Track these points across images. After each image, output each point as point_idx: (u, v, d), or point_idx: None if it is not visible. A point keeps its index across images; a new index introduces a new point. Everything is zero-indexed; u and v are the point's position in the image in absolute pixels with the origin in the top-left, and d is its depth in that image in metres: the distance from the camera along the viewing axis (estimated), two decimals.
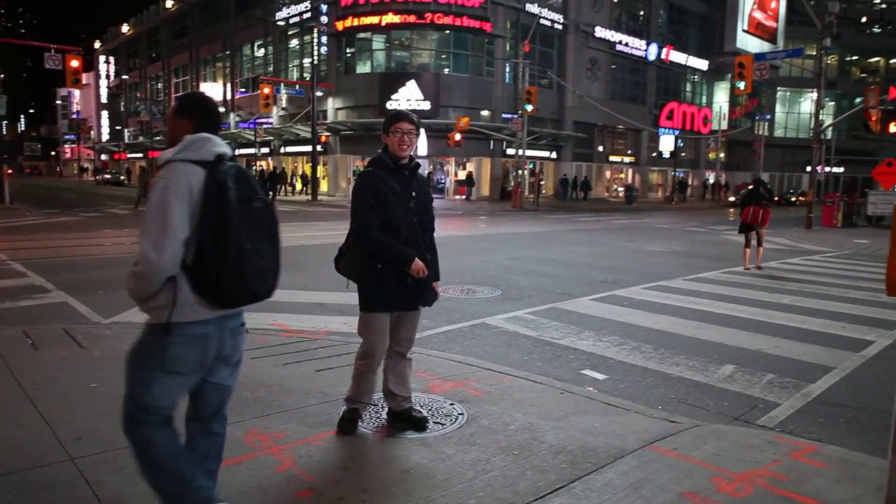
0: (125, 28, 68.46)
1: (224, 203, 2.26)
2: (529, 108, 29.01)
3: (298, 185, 38.29)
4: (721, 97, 52.56)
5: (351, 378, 3.71)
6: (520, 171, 31.53)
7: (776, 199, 44.83)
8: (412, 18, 33.41)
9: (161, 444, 2.36)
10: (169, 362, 2.30)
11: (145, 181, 23.43)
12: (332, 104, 37.35)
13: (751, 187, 11.61)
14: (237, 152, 47.23)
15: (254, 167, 43.82)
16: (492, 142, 36.00)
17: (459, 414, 3.97)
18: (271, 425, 3.72)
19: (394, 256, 3.49)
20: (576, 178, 41.28)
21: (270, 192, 27.01)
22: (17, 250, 11.57)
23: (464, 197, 34.90)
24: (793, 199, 45.71)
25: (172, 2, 56.29)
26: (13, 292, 7.80)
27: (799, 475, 3.26)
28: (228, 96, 48.12)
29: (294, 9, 38.37)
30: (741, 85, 21.99)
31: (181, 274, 2.27)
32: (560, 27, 39.32)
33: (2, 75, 25.59)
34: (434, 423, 3.81)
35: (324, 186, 35.87)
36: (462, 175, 36.55)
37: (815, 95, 24.99)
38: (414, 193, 3.59)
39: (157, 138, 48.80)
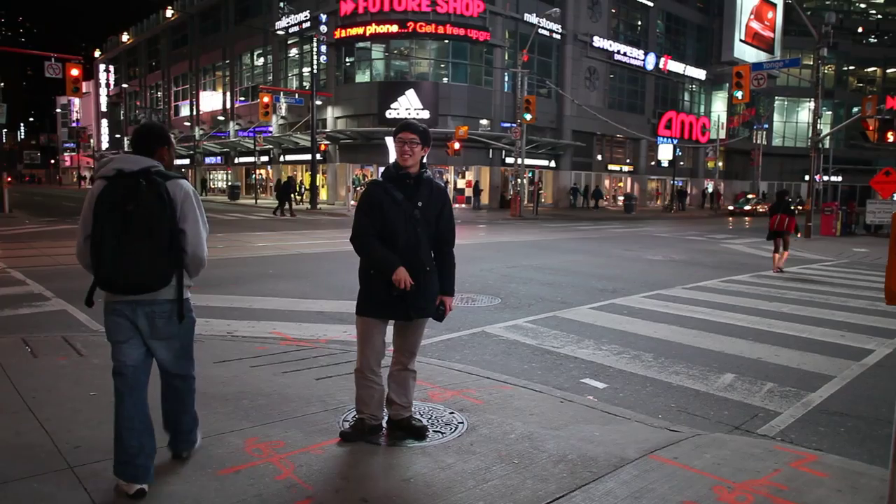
0: (125, 37, 68.72)
1: (101, 207, 2.81)
2: (528, 117, 29.10)
3: (306, 195, 37.99)
4: (719, 106, 52.77)
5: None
6: (519, 180, 31.60)
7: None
8: (411, 28, 33.57)
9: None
10: (105, 325, 3.06)
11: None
12: (331, 113, 37.47)
13: (777, 199, 13.08)
14: (236, 160, 47.36)
15: (254, 176, 43.96)
16: (491, 151, 36.10)
17: (459, 423, 3.96)
18: (271, 434, 3.71)
19: (379, 263, 3.50)
20: (587, 186, 41.53)
21: (286, 202, 26.94)
22: (17, 258, 11.57)
23: (466, 206, 34.97)
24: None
25: (172, 11, 56.57)
26: (12, 300, 7.78)
27: (800, 485, 3.26)
28: (228, 105, 48.26)
29: (293, 18, 38.55)
30: (739, 94, 22.09)
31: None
32: (558, 37, 39.52)
33: (2, 84, 25.59)
34: (434, 431, 3.80)
35: (323, 195, 35.91)
36: (461, 184, 36.64)
37: (812, 105, 25.12)
38: (420, 203, 3.56)
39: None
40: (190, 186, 3.00)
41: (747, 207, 41.25)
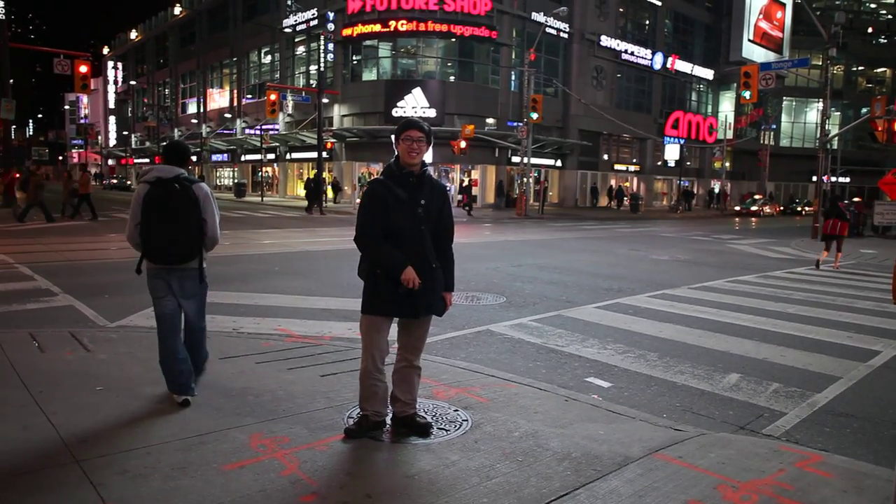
0: (133, 34, 68.97)
1: (149, 203, 4.00)
2: (535, 116, 29.05)
3: (330, 193, 37.73)
4: (726, 106, 52.54)
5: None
6: (525, 179, 31.55)
7: (780, 208, 44.83)
8: (418, 26, 33.56)
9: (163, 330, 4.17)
10: (148, 287, 4.18)
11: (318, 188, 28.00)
12: (337, 111, 37.50)
13: (830, 204, 14.23)
14: (243, 158, 47.49)
15: (260, 173, 44.06)
16: (497, 149, 36.05)
17: (464, 420, 3.96)
18: (276, 430, 3.72)
19: (386, 263, 3.51)
20: (610, 187, 42.00)
21: (318, 199, 27.39)
22: (24, 254, 11.63)
23: (468, 206, 34.75)
24: (798, 208, 45.56)
25: (181, 9, 56.74)
26: (20, 296, 7.83)
27: (805, 485, 3.25)
28: (235, 102, 48.36)
29: (301, 16, 38.61)
30: (747, 94, 21.93)
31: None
32: (566, 36, 39.43)
33: (11, 80, 25.67)
34: (438, 429, 3.80)
35: (329, 193, 35.89)
36: (466, 182, 36.60)
37: (821, 105, 24.98)
38: (423, 201, 3.58)
39: (164, 143, 49.00)
40: (208, 188, 4.22)
41: (754, 208, 41.10)
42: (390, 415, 3.80)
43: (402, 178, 3.58)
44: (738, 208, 42.07)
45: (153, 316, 4.25)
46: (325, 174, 34.96)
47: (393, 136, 3.64)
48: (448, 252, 3.75)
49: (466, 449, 3.56)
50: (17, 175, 23.68)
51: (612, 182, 44.72)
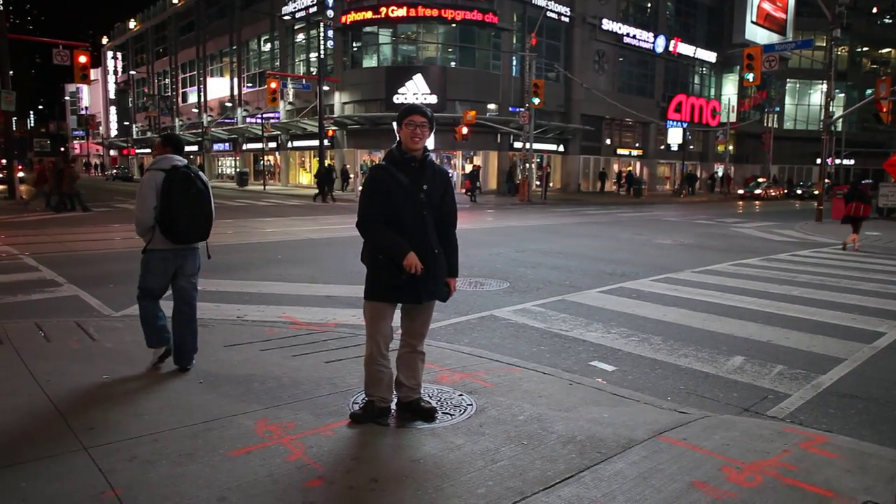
0: (132, 24, 68.58)
1: (170, 188, 4.31)
2: (536, 101, 28.89)
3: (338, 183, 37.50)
4: (730, 89, 52.16)
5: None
6: (527, 165, 31.44)
7: (784, 190, 44.61)
8: (418, 12, 33.31)
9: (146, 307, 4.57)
10: (149, 267, 4.46)
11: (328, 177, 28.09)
12: (338, 98, 37.34)
13: (852, 187, 14.71)
14: (244, 147, 47.41)
15: (262, 162, 43.99)
16: (499, 135, 35.90)
17: (468, 405, 3.98)
18: (282, 416, 3.74)
19: (388, 249, 3.50)
20: (620, 172, 42.00)
21: (327, 188, 27.47)
22: (29, 245, 11.66)
23: (472, 192, 34.59)
24: (798, 192, 45.31)
25: None
26: (26, 286, 7.86)
27: (809, 465, 3.26)
28: (235, 91, 48.18)
29: (300, 3, 38.31)
30: (750, 77, 21.78)
31: (155, 225, 4.34)
32: (567, 20, 39.11)
33: (11, 72, 25.59)
34: (443, 413, 3.82)
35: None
36: (469, 169, 36.48)
37: (825, 87, 24.78)
38: (426, 186, 3.57)
39: (163, 134, 48.90)
40: (206, 177, 4.69)
41: (758, 191, 40.91)
42: (395, 400, 3.81)
43: (404, 163, 3.57)
44: (741, 192, 41.86)
45: (197, 330, 4.69)
46: (328, 162, 34.94)
47: (395, 122, 3.62)
48: (451, 238, 3.74)
49: (471, 433, 3.57)
50: (39, 167, 23.95)
51: (616, 166, 44.53)
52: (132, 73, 65.96)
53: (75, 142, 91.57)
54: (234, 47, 47.96)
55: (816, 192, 22.93)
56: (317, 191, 27.89)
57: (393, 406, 3.80)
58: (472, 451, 3.34)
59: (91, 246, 11.91)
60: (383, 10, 33.58)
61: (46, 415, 3.69)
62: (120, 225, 15.62)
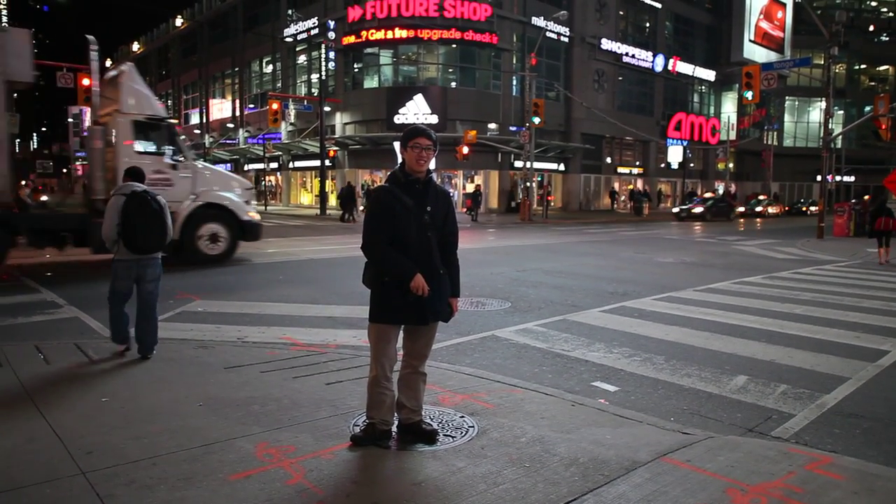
0: (136, 46, 69.34)
1: (128, 209, 5.23)
2: (537, 120, 29.06)
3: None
4: (729, 107, 52.49)
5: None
6: (528, 184, 31.53)
7: (786, 208, 44.66)
8: (419, 33, 33.64)
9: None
10: (116, 274, 5.40)
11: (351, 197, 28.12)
12: (340, 119, 37.59)
13: (879, 203, 15.64)
14: (246, 168, 47.65)
15: (263, 182, 44.15)
16: (499, 154, 36.06)
17: (470, 426, 3.95)
18: (281, 438, 3.71)
19: (395, 271, 3.50)
20: (635, 190, 42.54)
21: (351, 208, 27.42)
22: (31, 266, 11.67)
23: (473, 212, 34.56)
24: (803, 208, 45.35)
25: (182, 20, 57.02)
26: (26, 308, 7.85)
27: (815, 487, 3.22)
28: (237, 112, 48.54)
29: (302, 25, 38.76)
30: (749, 95, 21.90)
31: (119, 239, 5.26)
32: (566, 40, 39.49)
33: (15, 94, 25.75)
34: (444, 435, 3.79)
35: (332, 201, 36.06)
36: (470, 188, 36.57)
37: (823, 104, 24.93)
38: (429, 208, 3.58)
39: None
40: (164, 199, 5.51)
41: (759, 209, 40.93)
42: (396, 422, 3.78)
43: (408, 185, 3.58)
44: (742, 209, 41.88)
45: (158, 326, 5.54)
46: (329, 182, 35.05)
47: (398, 144, 3.64)
48: (453, 258, 3.74)
49: (473, 455, 3.54)
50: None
51: (616, 184, 44.62)
52: None
53: (77, 163, 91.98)
54: (237, 69, 48.42)
55: (816, 209, 22.88)
56: (342, 211, 27.87)
57: (394, 429, 3.77)
58: (474, 474, 3.30)
59: (92, 267, 11.91)
60: (384, 31, 33.90)
61: (44, 438, 3.66)
62: None
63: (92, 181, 11.47)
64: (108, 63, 78.72)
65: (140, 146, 11.38)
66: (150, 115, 11.47)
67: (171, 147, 11.72)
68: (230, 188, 12.83)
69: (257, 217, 13.15)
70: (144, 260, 5.36)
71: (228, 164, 51.31)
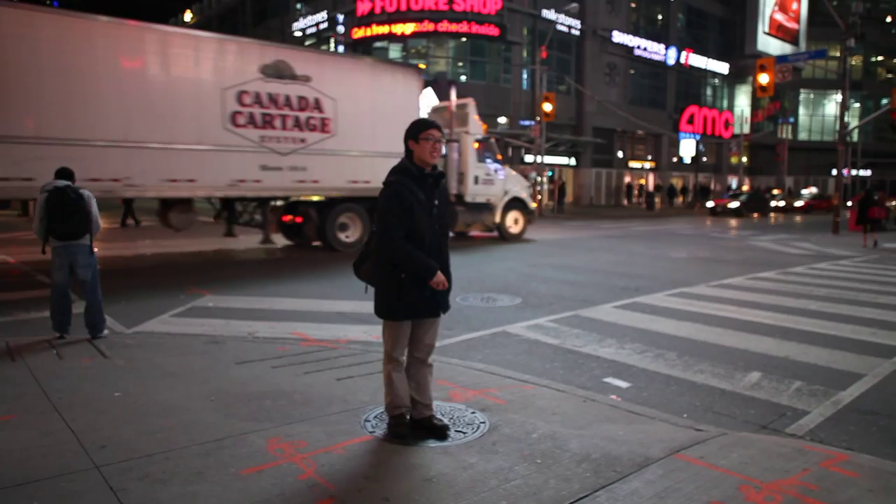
0: None
1: (49, 203, 5.74)
2: (548, 107, 28.87)
3: None
4: (742, 100, 51.97)
5: (383, 385, 3.76)
6: (539, 178, 31.40)
7: (804, 203, 44.18)
8: (428, 27, 33.53)
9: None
10: (52, 260, 5.92)
11: None
12: None
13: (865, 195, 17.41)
14: None
15: None
16: (510, 149, 35.94)
17: (481, 422, 3.94)
18: (293, 434, 3.72)
19: (416, 267, 3.50)
20: (665, 185, 42.35)
21: None
22: (41, 261, 11.74)
23: None
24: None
25: (191, 15, 57.21)
26: (38, 303, 7.91)
27: (830, 484, 3.18)
28: None
29: (311, 19, 38.76)
30: (764, 79, 21.56)
31: (47, 231, 5.83)
32: (577, 33, 39.20)
33: None
34: (455, 431, 3.78)
35: None
36: None
37: (839, 97, 24.62)
38: (437, 202, 3.62)
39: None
40: (89, 192, 5.99)
41: (772, 203, 40.52)
42: (408, 417, 3.79)
43: (421, 178, 3.56)
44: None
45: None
46: None
47: (407, 136, 3.60)
48: (446, 249, 3.81)
49: (484, 451, 3.53)
50: None
51: (627, 178, 44.37)
52: None
53: None
54: None
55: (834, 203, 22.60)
56: None
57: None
58: (486, 470, 3.29)
59: (101, 262, 11.99)
60: (394, 25, 33.84)
61: (58, 433, 3.69)
62: (129, 242, 15.75)
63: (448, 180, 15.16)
64: None
65: (477, 156, 16.23)
66: (483, 136, 16.51)
67: (490, 156, 16.53)
68: (522, 185, 17.56)
69: (534, 206, 18.38)
70: (73, 246, 5.85)
71: None
